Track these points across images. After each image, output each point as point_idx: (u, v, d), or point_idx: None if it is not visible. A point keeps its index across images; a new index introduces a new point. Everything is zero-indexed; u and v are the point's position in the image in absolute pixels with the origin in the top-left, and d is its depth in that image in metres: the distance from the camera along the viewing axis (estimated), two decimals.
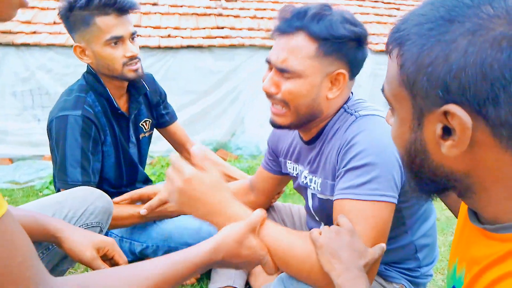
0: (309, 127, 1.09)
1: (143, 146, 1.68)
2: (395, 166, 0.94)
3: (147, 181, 1.77)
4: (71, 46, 3.67)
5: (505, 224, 0.54)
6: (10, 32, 3.60)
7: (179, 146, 1.86)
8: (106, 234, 1.57)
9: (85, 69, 1.52)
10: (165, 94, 1.76)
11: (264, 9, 4.80)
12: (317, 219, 1.18)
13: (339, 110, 1.08)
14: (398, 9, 5.29)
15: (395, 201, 0.95)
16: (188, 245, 0.87)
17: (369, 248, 0.87)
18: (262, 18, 4.58)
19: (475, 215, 0.61)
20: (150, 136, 1.73)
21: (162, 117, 1.75)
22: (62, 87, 3.54)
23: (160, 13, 4.39)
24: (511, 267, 0.50)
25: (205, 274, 1.55)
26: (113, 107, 1.49)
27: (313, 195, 1.14)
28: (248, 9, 4.75)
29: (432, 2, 0.51)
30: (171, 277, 0.72)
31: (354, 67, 1.03)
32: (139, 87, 1.55)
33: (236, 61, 3.97)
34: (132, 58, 1.41)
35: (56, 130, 1.38)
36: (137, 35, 1.49)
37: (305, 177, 1.15)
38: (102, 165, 1.50)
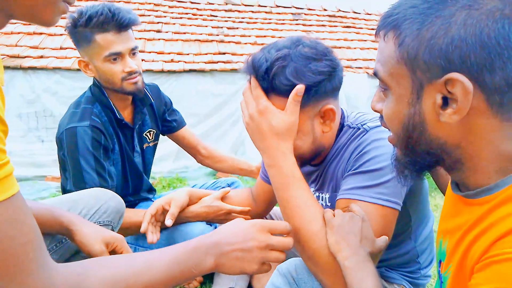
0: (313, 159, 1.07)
1: (147, 155, 1.73)
2: None
3: (151, 190, 1.81)
4: (77, 69, 3.76)
5: (483, 187, 0.59)
6: (18, 57, 3.71)
7: (191, 150, 1.91)
8: None
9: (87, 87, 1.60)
10: (171, 102, 1.82)
11: (264, 36, 4.95)
12: None
13: (341, 129, 1.06)
14: None
15: (399, 208, 0.94)
16: None
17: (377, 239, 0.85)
18: (262, 44, 4.72)
19: (457, 186, 0.66)
20: (154, 146, 1.77)
21: (169, 124, 1.80)
22: (67, 109, 3.63)
23: (164, 39, 4.52)
24: (485, 225, 0.55)
25: (208, 278, 1.56)
26: (117, 118, 1.54)
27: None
28: (249, 36, 4.90)
29: None
30: (173, 264, 0.72)
31: (335, 94, 0.99)
32: (143, 99, 1.61)
33: (237, 85, 4.06)
34: (131, 73, 1.46)
35: (67, 142, 1.43)
36: (139, 50, 1.54)
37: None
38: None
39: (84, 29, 1.41)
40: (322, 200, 1.13)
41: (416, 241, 1.14)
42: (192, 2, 5.62)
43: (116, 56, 1.44)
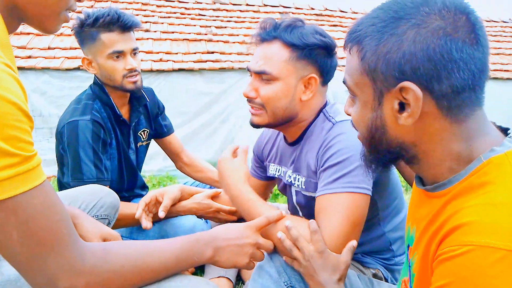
0: (289, 128, 1.21)
1: (140, 154, 1.80)
2: None
3: (144, 187, 1.87)
4: (65, 69, 3.76)
5: (440, 182, 0.67)
6: None
7: (174, 156, 1.98)
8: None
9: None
10: (163, 107, 1.90)
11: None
12: (301, 215, 1.27)
13: (318, 114, 1.19)
14: None
15: (370, 193, 1.04)
16: None
17: (341, 256, 0.96)
18: (250, 43, 4.75)
19: (420, 181, 0.74)
20: (147, 145, 1.84)
21: (160, 128, 1.87)
22: (56, 109, 3.63)
23: (152, 38, 4.54)
24: (442, 220, 0.63)
25: (199, 270, 1.61)
26: (116, 114, 1.62)
27: (297, 192, 1.24)
28: (237, 35, 4.94)
29: (381, 7, 0.65)
30: (186, 251, 0.84)
31: (325, 73, 1.16)
32: (139, 98, 1.69)
33: (226, 84, 4.09)
34: (132, 70, 1.55)
35: (68, 134, 1.49)
36: (139, 51, 1.64)
37: (289, 176, 1.25)
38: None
39: (90, 28, 1.51)
40: (298, 181, 1.22)
41: (385, 227, 1.22)
42: (180, 1, 5.64)
43: (119, 54, 1.53)
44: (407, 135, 0.66)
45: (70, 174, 1.49)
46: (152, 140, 1.90)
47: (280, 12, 5.79)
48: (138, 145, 1.77)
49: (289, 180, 1.25)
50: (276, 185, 1.43)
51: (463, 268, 0.55)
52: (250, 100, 1.17)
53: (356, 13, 6.17)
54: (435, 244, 0.63)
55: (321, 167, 1.09)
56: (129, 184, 1.74)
